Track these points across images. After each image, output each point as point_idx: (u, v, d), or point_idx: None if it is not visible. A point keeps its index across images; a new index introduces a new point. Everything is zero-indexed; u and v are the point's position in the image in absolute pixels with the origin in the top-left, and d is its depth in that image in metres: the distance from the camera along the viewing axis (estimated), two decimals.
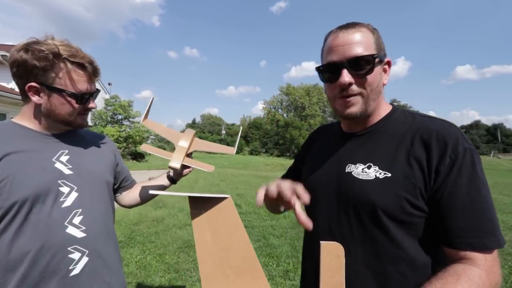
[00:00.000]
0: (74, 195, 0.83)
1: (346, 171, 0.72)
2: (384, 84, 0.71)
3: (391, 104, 0.77)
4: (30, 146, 0.81)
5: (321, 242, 0.60)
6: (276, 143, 45.02)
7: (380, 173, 0.65)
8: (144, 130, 17.61)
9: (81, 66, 0.82)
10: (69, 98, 0.82)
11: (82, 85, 0.83)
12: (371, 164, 0.68)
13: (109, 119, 18.27)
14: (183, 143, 0.99)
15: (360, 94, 0.68)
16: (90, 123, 16.15)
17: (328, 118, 60.95)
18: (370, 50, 0.66)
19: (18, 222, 0.75)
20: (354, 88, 0.67)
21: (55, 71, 0.79)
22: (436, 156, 0.61)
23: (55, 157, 0.84)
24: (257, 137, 48.01)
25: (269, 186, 0.60)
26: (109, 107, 18.26)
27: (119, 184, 1.10)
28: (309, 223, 0.54)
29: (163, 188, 1.13)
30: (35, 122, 0.85)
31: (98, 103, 16.80)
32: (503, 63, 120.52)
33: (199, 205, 0.61)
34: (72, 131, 0.94)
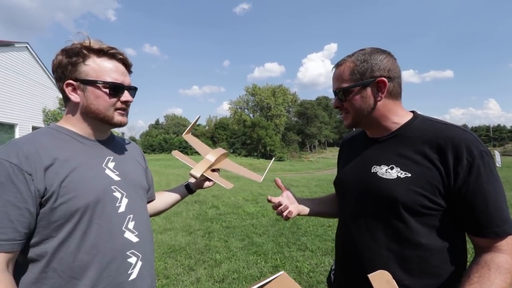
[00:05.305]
0: (125, 200, 0.85)
1: (372, 171, 0.84)
2: (378, 101, 0.82)
3: (412, 112, 0.89)
4: (79, 152, 0.81)
5: (368, 276, 0.69)
6: (244, 143, 45.23)
7: (401, 173, 0.77)
8: None
9: (111, 56, 0.83)
10: (102, 89, 0.81)
11: (114, 75, 0.82)
12: (393, 166, 0.80)
13: None
14: (210, 157, 1.11)
15: (347, 112, 0.88)
16: (41, 125, 14.70)
17: (293, 118, 62.86)
18: (347, 82, 0.84)
19: (82, 228, 0.75)
20: (343, 108, 0.88)
21: (87, 63, 0.80)
22: (451, 160, 0.72)
23: (104, 163, 0.85)
24: (224, 137, 47.71)
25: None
26: (64, 108, 16.57)
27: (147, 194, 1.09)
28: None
29: (180, 197, 1.19)
30: (78, 125, 0.86)
31: (51, 102, 15.22)
32: (439, 69, 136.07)
33: None
34: (111, 138, 0.95)
